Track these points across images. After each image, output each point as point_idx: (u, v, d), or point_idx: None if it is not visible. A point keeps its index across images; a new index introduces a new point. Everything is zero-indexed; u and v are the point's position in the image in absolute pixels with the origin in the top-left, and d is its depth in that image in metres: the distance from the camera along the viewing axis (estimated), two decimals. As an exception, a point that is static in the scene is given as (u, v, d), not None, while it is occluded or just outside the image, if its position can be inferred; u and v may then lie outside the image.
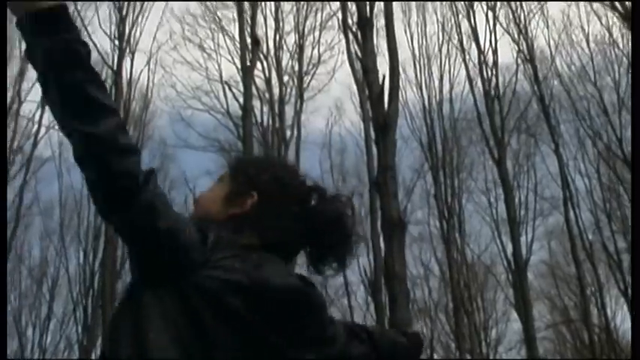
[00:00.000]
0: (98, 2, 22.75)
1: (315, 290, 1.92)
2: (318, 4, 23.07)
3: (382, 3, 13.55)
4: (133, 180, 1.63)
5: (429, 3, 24.09)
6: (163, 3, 23.49)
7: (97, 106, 1.66)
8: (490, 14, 22.68)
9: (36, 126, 22.28)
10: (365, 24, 13.10)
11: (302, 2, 23.16)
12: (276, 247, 1.91)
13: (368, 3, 13.24)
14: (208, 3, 22.76)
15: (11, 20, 1.92)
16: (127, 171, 1.63)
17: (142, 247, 1.73)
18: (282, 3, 22.87)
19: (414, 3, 24.14)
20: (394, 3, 14.04)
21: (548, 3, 23.01)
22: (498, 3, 22.76)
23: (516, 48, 22.42)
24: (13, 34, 22.90)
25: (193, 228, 1.74)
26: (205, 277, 1.69)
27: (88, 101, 1.65)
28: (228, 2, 21.86)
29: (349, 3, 15.14)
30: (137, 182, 1.64)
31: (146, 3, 23.11)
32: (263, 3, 22.01)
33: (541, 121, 22.26)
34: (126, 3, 22.77)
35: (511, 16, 22.64)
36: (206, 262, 1.71)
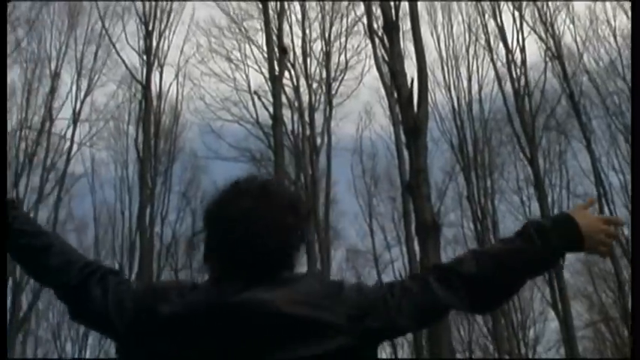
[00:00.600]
0: (125, 18, 23.09)
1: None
2: (344, 9, 23.13)
3: (407, 5, 13.53)
4: None
5: (455, 4, 24.04)
6: (189, 17, 23.71)
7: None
8: (516, 13, 22.58)
9: (68, 143, 22.52)
10: (391, 28, 13.09)
11: (327, 9, 23.23)
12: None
13: (393, 6, 13.23)
14: (233, 14, 22.91)
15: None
16: None
17: None
18: (307, 10, 22.94)
19: (439, 5, 24.11)
20: (419, 5, 14.01)
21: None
22: (524, 2, 22.64)
23: (544, 46, 22.30)
24: (46, 51, 23.31)
25: None
26: None
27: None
28: (254, 13, 22.04)
29: (374, 7, 15.14)
30: None
31: (172, 17, 23.37)
32: (289, 11, 22.10)
33: (571, 118, 22.07)
34: (152, 17, 23.02)
35: (537, 15, 22.50)
36: None
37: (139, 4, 23.10)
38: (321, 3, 23.37)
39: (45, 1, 22.40)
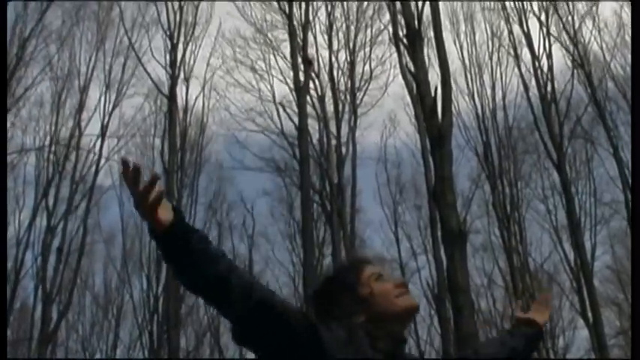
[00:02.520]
0: (151, 32, 23.35)
1: None
2: (368, 19, 23.21)
3: (430, 15, 13.55)
4: None
5: (478, 13, 24.02)
6: (215, 29, 23.86)
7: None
8: (543, 17, 22.48)
9: (96, 156, 22.76)
10: (414, 36, 13.12)
11: (352, 19, 23.31)
12: None
13: (416, 15, 13.26)
14: (258, 25, 23.05)
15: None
16: None
17: None
18: (332, 20, 23.03)
19: (461, 13, 24.12)
20: (442, 15, 14.00)
21: (600, 6, 22.73)
22: (550, 8, 22.54)
23: (569, 54, 22.17)
24: (76, 66, 23.62)
25: None
26: None
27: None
28: (279, 24, 22.18)
29: (399, 15, 15.16)
30: None
31: (198, 31, 23.61)
32: (313, 22, 22.21)
33: (598, 125, 21.93)
34: (177, 30, 23.26)
35: (561, 24, 22.38)
36: None
37: (163, 17, 23.36)
38: (345, 13, 23.47)
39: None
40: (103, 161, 22.93)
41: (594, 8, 22.70)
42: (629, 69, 22.67)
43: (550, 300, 2.83)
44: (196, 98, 24.07)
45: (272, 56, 22.82)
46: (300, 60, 19.90)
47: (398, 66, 17.03)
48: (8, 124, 17.55)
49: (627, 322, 25.53)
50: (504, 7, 23.20)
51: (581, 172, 23.05)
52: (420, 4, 13.39)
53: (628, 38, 22.67)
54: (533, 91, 21.88)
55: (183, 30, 23.49)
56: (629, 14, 25.91)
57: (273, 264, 25.51)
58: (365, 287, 2.21)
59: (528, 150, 23.13)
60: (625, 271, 25.26)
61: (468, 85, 23.36)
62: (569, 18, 22.45)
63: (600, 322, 19.36)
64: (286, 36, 20.92)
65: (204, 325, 24.89)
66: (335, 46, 23.04)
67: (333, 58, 22.82)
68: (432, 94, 12.00)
